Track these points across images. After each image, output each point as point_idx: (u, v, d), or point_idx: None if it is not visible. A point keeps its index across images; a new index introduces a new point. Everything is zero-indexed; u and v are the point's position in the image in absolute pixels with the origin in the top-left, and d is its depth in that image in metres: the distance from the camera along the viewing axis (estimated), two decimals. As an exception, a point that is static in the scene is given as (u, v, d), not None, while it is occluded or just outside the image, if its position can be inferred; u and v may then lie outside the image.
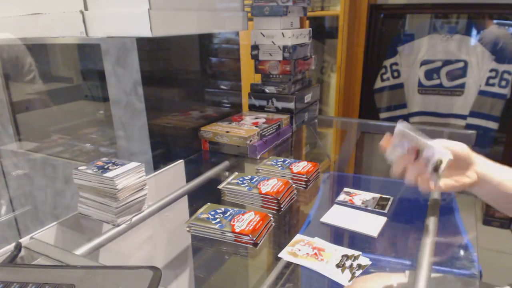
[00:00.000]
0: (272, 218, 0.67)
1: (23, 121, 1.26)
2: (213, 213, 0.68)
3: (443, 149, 0.59)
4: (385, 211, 0.72)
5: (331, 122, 1.49)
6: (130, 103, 0.93)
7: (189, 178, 0.88)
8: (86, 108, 1.19)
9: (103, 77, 0.96)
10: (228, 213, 0.67)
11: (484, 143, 1.71)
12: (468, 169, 0.62)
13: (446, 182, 0.62)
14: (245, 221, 0.64)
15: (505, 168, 0.63)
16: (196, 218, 0.67)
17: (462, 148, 0.61)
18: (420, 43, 1.75)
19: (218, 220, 0.65)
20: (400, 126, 0.63)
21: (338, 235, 0.68)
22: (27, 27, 0.86)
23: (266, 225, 0.65)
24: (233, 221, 0.64)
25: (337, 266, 0.56)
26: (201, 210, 0.69)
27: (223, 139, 1.01)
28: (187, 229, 0.67)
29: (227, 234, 0.63)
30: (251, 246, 0.61)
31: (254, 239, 0.61)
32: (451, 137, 1.10)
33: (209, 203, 0.71)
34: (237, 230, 0.62)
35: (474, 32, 1.65)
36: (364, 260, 0.58)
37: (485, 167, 0.62)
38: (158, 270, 0.45)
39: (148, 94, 0.90)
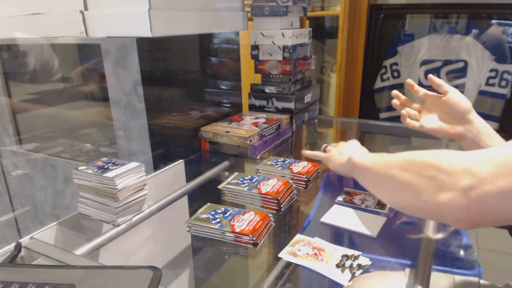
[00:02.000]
0: (272, 218, 0.67)
1: (23, 121, 1.26)
2: (213, 213, 0.68)
3: None
4: (385, 211, 0.72)
5: (331, 122, 1.49)
6: (130, 103, 0.93)
7: (189, 178, 0.88)
8: (86, 108, 1.19)
9: (103, 77, 0.96)
10: (228, 213, 0.67)
11: (484, 143, 1.70)
12: (461, 123, 0.70)
13: (432, 123, 0.74)
14: (245, 221, 0.64)
15: (493, 133, 0.69)
16: (196, 218, 0.67)
17: (461, 101, 0.71)
18: (420, 43, 1.75)
19: (218, 220, 0.65)
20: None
21: (338, 235, 0.68)
22: (27, 27, 0.86)
23: (266, 225, 0.65)
24: (233, 221, 0.64)
25: (337, 266, 0.56)
26: (201, 210, 0.69)
27: (223, 139, 1.01)
28: (187, 229, 0.67)
29: (227, 234, 0.63)
30: (251, 246, 0.61)
31: (254, 239, 0.61)
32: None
33: (209, 203, 0.71)
34: (237, 230, 0.62)
35: (474, 32, 1.65)
36: (364, 260, 0.58)
37: (477, 130, 0.69)
38: (158, 270, 0.45)
39: (148, 94, 0.90)
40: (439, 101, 0.73)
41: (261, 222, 0.64)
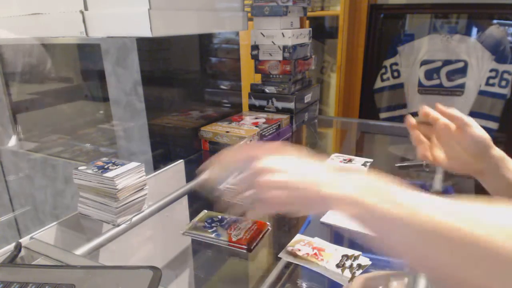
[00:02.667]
0: (269, 228, 0.66)
1: (23, 121, 1.26)
2: (209, 221, 0.67)
3: None
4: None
5: (331, 122, 1.49)
6: (130, 103, 0.93)
7: (189, 178, 0.88)
8: (86, 108, 1.19)
9: (103, 77, 0.96)
10: (225, 221, 0.66)
11: (484, 143, 1.70)
12: (481, 156, 0.62)
13: (453, 162, 0.64)
14: (242, 230, 0.63)
15: (509, 162, 0.62)
16: (192, 227, 0.66)
17: (485, 137, 0.62)
18: (420, 43, 1.75)
19: (214, 228, 0.65)
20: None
21: (338, 235, 0.68)
22: (27, 27, 0.86)
23: (263, 234, 0.64)
24: (230, 230, 0.63)
25: (337, 266, 0.56)
26: (197, 218, 0.68)
27: (223, 139, 1.01)
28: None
29: (224, 244, 0.62)
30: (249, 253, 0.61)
31: (251, 248, 0.60)
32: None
33: (205, 210, 0.71)
34: (233, 240, 0.61)
35: (474, 32, 1.65)
36: (364, 260, 0.58)
37: (501, 160, 0.61)
38: (158, 270, 0.45)
39: (148, 94, 0.90)
40: (456, 133, 0.63)
41: (258, 230, 0.64)
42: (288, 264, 0.58)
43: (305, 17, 1.61)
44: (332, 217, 0.71)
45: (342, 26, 1.76)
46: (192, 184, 0.84)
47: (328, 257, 0.58)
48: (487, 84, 1.63)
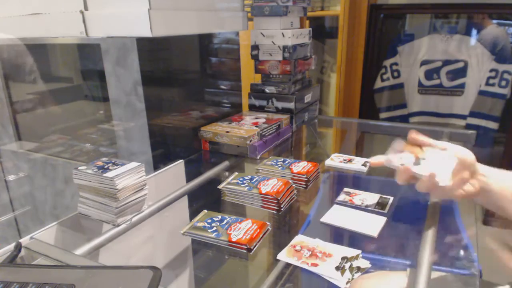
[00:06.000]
0: (269, 228, 0.66)
1: (23, 121, 1.26)
2: (209, 221, 0.67)
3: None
4: (385, 211, 0.72)
5: (331, 122, 1.49)
6: (130, 103, 0.93)
7: (189, 178, 0.88)
8: (86, 108, 1.19)
9: (103, 77, 0.96)
10: (225, 221, 0.66)
11: (484, 143, 1.71)
12: (472, 177, 0.60)
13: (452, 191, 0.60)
14: (242, 230, 0.63)
15: (504, 173, 0.61)
16: (192, 227, 0.66)
17: (467, 155, 0.59)
18: (420, 43, 1.75)
19: (214, 228, 0.65)
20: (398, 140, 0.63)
21: (338, 235, 0.68)
22: (27, 27, 0.86)
23: (263, 234, 0.64)
24: (230, 230, 0.63)
25: (337, 268, 0.56)
26: (197, 218, 0.68)
27: (223, 139, 1.01)
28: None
29: (223, 244, 0.62)
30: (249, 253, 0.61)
31: (252, 248, 0.60)
32: (451, 137, 1.10)
33: (205, 210, 0.71)
34: (233, 240, 0.61)
35: (474, 32, 1.65)
36: (364, 263, 0.58)
37: (486, 176, 0.60)
38: (158, 270, 0.45)
39: (148, 94, 0.90)
40: None
41: (258, 230, 0.64)
42: (287, 265, 0.58)
43: (305, 17, 1.61)
44: (332, 217, 0.71)
45: (342, 26, 1.76)
46: (193, 184, 0.84)
47: (327, 258, 0.58)
48: (487, 84, 1.63)
